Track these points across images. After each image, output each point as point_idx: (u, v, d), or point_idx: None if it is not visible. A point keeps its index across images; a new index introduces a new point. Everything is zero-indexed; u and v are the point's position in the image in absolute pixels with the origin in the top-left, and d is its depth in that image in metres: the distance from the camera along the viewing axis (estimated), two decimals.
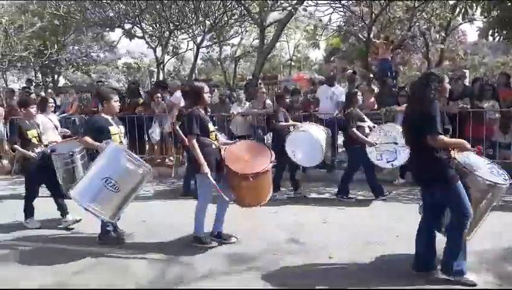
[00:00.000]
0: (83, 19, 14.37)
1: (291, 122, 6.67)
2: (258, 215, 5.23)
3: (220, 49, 22.82)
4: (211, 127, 4.43)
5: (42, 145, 5.33)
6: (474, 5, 9.56)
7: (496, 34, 10.04)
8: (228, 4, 13.50)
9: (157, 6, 13.38)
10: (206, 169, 4.18)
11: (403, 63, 20.01)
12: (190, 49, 21.37)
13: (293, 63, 30.60)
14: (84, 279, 3.87)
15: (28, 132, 5.28)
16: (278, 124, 6.47)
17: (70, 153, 4.89)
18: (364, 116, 6.39)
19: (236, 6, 13.45)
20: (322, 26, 13.73)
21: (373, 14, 11.95)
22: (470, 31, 51.67)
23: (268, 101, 8.91)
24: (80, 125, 9.54)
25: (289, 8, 10.88)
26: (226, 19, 15.10)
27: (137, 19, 14.40)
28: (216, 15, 14.45)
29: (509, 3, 8.75)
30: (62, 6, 13.63)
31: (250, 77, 13.11)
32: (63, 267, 4.11)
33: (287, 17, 11.22)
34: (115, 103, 4.64)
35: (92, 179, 4.06)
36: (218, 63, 24.08)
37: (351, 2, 13.05)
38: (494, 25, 9.98)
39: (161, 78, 16.49)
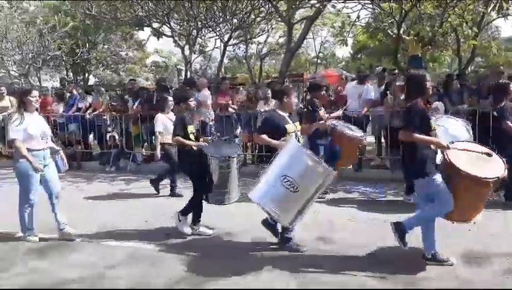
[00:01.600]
0: (114, 18, 14.65)
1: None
2: None
3: (246, 47, 22.84)
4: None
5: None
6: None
7: None
8: (256, 2, 13.48)
9: (186, 5, 13.50)
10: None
11: (432, 60, 19.52)
12: (217, 48, 21.49)
13: (319, 61, 30.34)
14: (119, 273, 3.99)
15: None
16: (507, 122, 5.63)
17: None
18: None
19: (264, 4, 13.41)
20: (349, 22, 13.51)
21: (403, 11, 11.68)
22: (504, 26, 49.88)
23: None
24: (109, 124, 9.81)
25: (317, 5, 10.78)
26: (253, 16, 15.09)
27: (165, 17, 14.57)
28: (243, 13, 14.45)
29: None
30: (94, 6, 13.93)
31: (277, 75, 13.08)
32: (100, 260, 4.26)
33: (315, 14, 11.13)
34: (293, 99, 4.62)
35: (270, 178, 3.88)
36: (244, 61, 24.11)
37: None
38: None
39: (188, 76, 16.65)
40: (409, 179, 4.18)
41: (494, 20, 17.45)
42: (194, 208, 4.97)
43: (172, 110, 6.80)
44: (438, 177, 3.73)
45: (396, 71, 10.50)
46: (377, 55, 21.18)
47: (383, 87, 8.54)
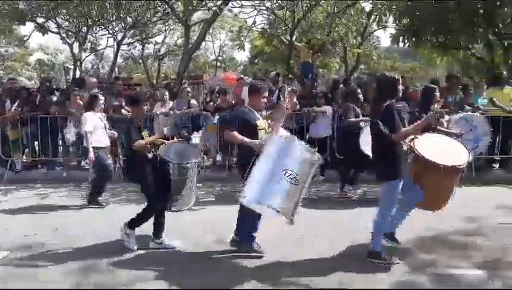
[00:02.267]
0: None
1: (362, 118, 6.51)
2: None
3: (143, 47, 22.06)
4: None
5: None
6: (387, 13, 10.30)
7: (406, 41, 10.92)
8: (151, 2, 13.10)
9: (75, 1, 12.57)
10: None
11: (322, 66, 20.85)
12: (110, 46, 20.42)
13: (218, 64, 30.54)
14: None
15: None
16: (349, 120, 6.43)
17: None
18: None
19: (160, 3, 13.10)
20: (246, 27, 13.85)
21: (296, 19, 12.31)
22: (384, 37, 55.45)
23: (193, 101, 8.81)
24: None
25: (214, 8, 10.83)
26: (148, 16, 14.64)
27: (51, 12, 13.39)
28: (138, 12, 13.95)
29: (418, 14, 9.51)
30: None
31: (175, 76, 12.84)
32: None
33: (212, 17, 11.16)
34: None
35: (266, 176, 3.66)
36: (141, 61, 23.27)
37: (275, 5, 13.32)
38: (404, 32, 10.85)
39: (78, 75, 15.54)
40: (380, 179, 4.11)
41: (375, 31, 19.21)
42: (154, 221, 4.49)
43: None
44: (401, 183, 3.88)
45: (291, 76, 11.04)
46: (273, 60, 21.96)
47: (277, 91, 8.86)
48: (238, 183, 4.91)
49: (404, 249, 4.30)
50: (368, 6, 12.64)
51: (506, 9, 9.25)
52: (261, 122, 4.28)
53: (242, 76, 13.58)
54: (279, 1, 12.09)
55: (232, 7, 12.52)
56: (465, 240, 4.50)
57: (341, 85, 9.28)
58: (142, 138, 4.49)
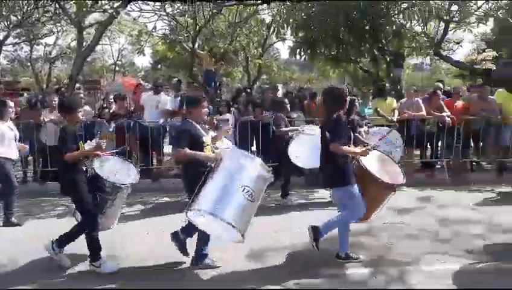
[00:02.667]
0: None
1: (291, 127, 6.71)
2: None
3: (31, 48, 20.18)
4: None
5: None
6: (285, 25, 10.77)
7: (302, 53, 11.52)
8: (40, 0, 12.02)
9: None
10: None
11: (226, 74, 21.10)
12: None
13: (117, 68, 29.18)
14: None
15: None
16: (279, 129, 6.49)
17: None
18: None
19: (50, 2, 12.08)
20: (147, 32, 13.42)
21: (197, 26, 12.26)
22: (283, 49, 58.13)
23: (86, 107, 8.24)
24: None
25: (110, 11, 10.29)
26: (37, 15, 13.42)
27: None
28: (25, 10, 12.72)
29: (313, 28, 10.08)
30: None
31: (67, 81, 11.89)
32: None
33: (108, 20, 10.57)
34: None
35: (225, 189, 3.58)
36: (28, 64, 21.24)
37: (176, 11, 13.13)
38: (300, 45, 11.44)
39: None
40: (328, 186, 4.32)
41: (275, 43, 20.00)
42: (91, 240, 4.07)
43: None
44: (355, 187, 4.03)
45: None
46: (176, 66, 21.67)
47: (179, 98, 8.71)
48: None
49: (296, 252, 4.47)
50: (268, 18, 13.10)
51: (388, 27, 10.24)
52: (207, 139, 4.19)
53: (141, 82, 13.10)
54: (180, 7, 11.92)
55: (130, 11, 12.04)
56: (355, 240, 4.81)
57: (243, 94, 9.44)
58: (77, 149, 4.13)
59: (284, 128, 6.57)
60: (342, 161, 4.03)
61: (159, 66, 26.61)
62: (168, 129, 8.24)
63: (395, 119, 7.76)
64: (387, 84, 9.48)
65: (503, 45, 16.97)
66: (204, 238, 4.06)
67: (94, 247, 4.08)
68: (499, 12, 12.04)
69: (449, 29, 12.20)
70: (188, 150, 3.94)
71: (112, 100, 9.10)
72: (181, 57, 17.32)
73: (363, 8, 9.33)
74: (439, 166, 8.14)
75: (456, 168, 8.03)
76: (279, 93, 10.52)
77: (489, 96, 8.37)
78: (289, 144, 6.22)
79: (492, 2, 11.67)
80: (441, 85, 9.92)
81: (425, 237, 4.93)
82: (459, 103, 8.36)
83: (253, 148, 8.07)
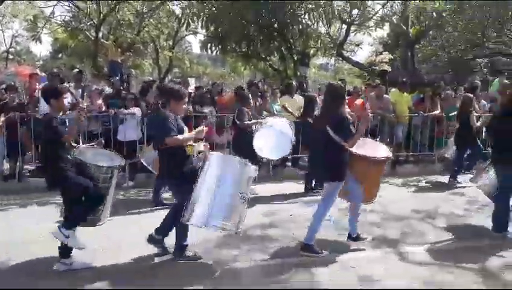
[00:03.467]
0: None
1: (254, 120, 6.65)
2: None
3: None
4: None
5: None
6: (195, 18, 10.61)
7: (213, 48, 11.47)
8: None
9: None
10: None
11: (134, 66, 20.24)
12: None
13: (10, 56, 26.41)
14: None
15: None
16: (243, 123, 6.49)
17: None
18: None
19: None
20: (44, 17, 12.32)
21: (101, 14, 11.55)
22: (195, 43, 57.35)
23: None
24: None
25: None
26: None
27: None
28: None
29: (222, 22, 10.07)
30: None
31: None
32: None
33: None
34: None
35: (223, 199, 3.82)
36: None
37: None
38: (211, 39, 11.38)
39: None
40: (329, 180, 4.28)
41: (186, 35, 19.68)
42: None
43: None
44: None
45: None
46: (78, 55, 20.20)
47: (80, 90, 8.13)
48: None
49: (207, 247, 4.45)
50: (178, 10, 12.81)
51: (294, 27, 10.63)
52: (187, 130, 4.15)
53: (37, 71, 11.99)
54: None
55: None
56: (264, 233, 4.91)
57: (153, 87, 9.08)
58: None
59: (248, 122, 6.61)
60: (345, 158, 4.19)
61: (60, 54, 24.63)
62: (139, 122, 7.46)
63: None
64: (294, 82, 9.79)
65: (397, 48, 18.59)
66: (183, 230, 4.08)
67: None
68: (393, 18, 13.16)
69: (350, 31, 13.04)
70: (180, 136, 3.92)
71: (3, 90, 8.18)
72: (84, 46, 16.20)
73: (271, 7, 9.53)
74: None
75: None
76: (191, 88, 10.34)
77: (385, 96, 9.09)
78: (253, 137, 6.26)
79: (387, 8, 12.77)
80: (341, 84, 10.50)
81: (329, 226, 5.18)
82: (359, 101, 8.96)
83: None
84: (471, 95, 7.98)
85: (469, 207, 6.13)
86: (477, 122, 7.64)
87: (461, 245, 4.66)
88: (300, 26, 10.38)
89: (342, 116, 4.11)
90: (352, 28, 12.87)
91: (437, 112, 8.84)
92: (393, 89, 9.80)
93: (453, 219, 5.57)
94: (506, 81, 10.44)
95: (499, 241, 4.73)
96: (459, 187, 7.28)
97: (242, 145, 6.40)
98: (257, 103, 8.60)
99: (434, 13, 12.26)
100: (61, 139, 3.87)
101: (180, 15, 11.25)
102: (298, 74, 11.02)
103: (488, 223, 5.00)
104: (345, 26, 12.83)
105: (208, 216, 3.76)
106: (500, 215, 4.86)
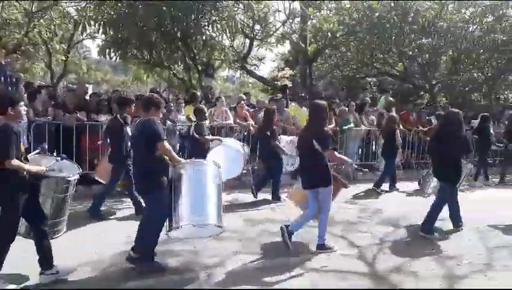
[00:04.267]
0: None
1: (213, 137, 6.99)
2: None
3: None
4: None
5: None
6: (92, 22, 9.97)
7: (113, 53, 10.87)
8: None
9: None
10: None
11: (23, 70, 18.40)
12: None
13: None
14: None
15: None
16: (204, 137, 6.74)
17: None
18: None
19: None
20: None
21: None
22: (94, 48, 54.23)
23: None
24: None
25: None
26: None
27: None
28: None
29: (122, 27, 9.61)
30: None
31: None
32: None
33: None
34: None
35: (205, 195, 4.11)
36: None
37: None
38: (110, 44, 10.78)
39: None
40: (320, 186, 4.75)
41: (83, 39, 18.46)
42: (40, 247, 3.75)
43: None
44: None
45: None
46: None
47: None
48: None
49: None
50: (74, 11, 11.95)
51: (199, 37, 10.56)
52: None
53: None
54: None
55: None
56: (165, 248, 4.69)
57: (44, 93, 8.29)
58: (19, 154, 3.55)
59: (208, 137, 6.88)
60: (327, 165, 4.72)
61: None
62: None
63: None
64: (199, 93, 9.72)
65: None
66: (153, 241, 4.11)
67: (48, 255, 3.78)
68: (293, 36, 13.83)
69: (253, 46, 13.41)
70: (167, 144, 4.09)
71: None
72: None
73: (174, 14, 9.34)
74: (246, 170, 8.74)
75: (260, 172, 8.77)
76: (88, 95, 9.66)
77: (286, 109, 9.47)
78: (208, 153, 6.51)
79: (288, 26, 13.39)
80: (244, 97, 10.71)
81: (233, 238, 5.15)
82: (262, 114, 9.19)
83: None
84: (396, 115, 8.89)
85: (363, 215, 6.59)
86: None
87: (351, 252, 4.95)
88: (204, 37, 10.35)
89: (325, 130, 4.77)
90: (255, 43, 13.25)
91: (332, 126, 9.43)
92: (293, 103, 10.26)
93: (348, 226, 5.92)
94: (391, 99, 11.62)
95: (384, 245, 5.12)
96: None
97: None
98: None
99: (329, 33, 13.17)
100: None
101: (75, 17, 10.49)
102: (203, 84, 10.97)
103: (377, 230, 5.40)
104: (248, 41, 13.16)
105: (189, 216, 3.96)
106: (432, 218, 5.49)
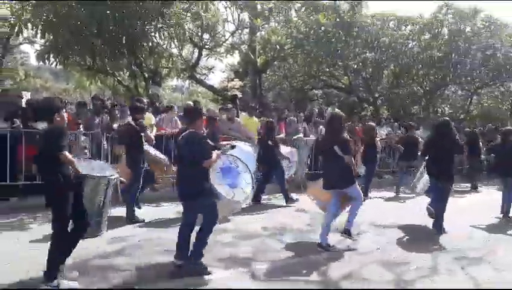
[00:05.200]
0: None
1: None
2: None
3: None
4: None
5: None
6: (29, 25, 9.35)
7: (52, 59, 10.24)
8: None
9: None
10: None
11: None
12: None
13: None
14: None
15: None
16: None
17: None
18: None
19: None
20: None
21: None
22: (32, 53, 51.42)
23: None
24: None
25: None
26: None
27: None
28: None
29: (61, 30, 9.07)
30: None
31: None
32: None
33: None
34: None
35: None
36: None
37: None
38: (50, 49, 10.13)
39: None
40: (348, 185, 5.25)
41: (20, 44, 17.43)
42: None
43: None
44: None
45: None
46: None
47: None
48: None
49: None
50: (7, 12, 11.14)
51: (145, 44, 10.22)
52: None
53: None
54: None
55: None
56: (107, 262, 4.40)
57: None
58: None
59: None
60: (350, 167, 5.21)
61: None
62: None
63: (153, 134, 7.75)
64: (145, 100, 9.38)
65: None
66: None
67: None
68: (242, 47, 13.88)
69: (203, 56, 13.27)
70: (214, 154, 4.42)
71: None
72: None
73: (119, 19, 8.93)
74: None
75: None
76: (23, 102, 9.00)
77: (236, 118, 9.38)
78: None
79: (237, 37, 13.42)
80: (191, 103, 10.48)
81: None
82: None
83: None
84: (374, 124, 9.59)
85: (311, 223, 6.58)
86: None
87: (303, 260, 4.88)
88: (151, 44, 10.03)
89: (346, 138, 5.26)
90: (204, 52, 13.11)
91: (282, 135, 9.49)
92: (243, 113, 10.21)
93: (298, 235, 5.88)
94: (337, 110, 11.93)
95: (335, 255, 5.11)
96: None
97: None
98: (104, 118, 8.01)
99: (277, 45, 13.35)
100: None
101: (10, 19, 9.77)
102: (150, 92, 10.61)
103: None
104: (197, 50, 13.00)
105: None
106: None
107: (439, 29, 16.48)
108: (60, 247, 3.73)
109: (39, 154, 3.82)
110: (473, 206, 8.65)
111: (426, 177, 6.94)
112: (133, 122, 6.17)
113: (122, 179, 5.66)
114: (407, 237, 5.98)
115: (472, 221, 6.97)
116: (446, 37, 16.43)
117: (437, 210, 6.13)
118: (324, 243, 5.16)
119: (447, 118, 6.81)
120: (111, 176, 5.04)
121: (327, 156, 5.40)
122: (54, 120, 3.78)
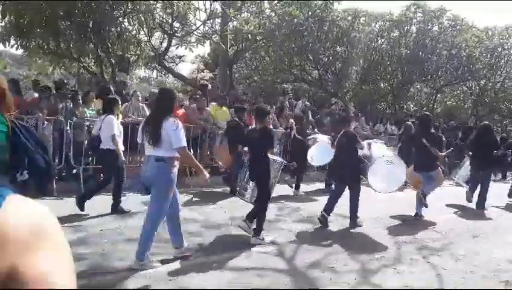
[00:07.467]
0: None
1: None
2: None
3: None
4: None
5: None
6: None
7: (13, 41, 9.75)
8: None
9: None
10: None
11: None
12: None
13: None
14: None
15: None
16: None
17: None
18: None
19: None
20: None
21: None
22: None
23: None
24: None
25: None
26: None
27: None
28: None
29: (24, 10, 8.65)
30: None
31: None
32: None
33: None
34: None
35: None
36: None
37: None
38: (11, 31, 9.64)
39: None
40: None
41: None
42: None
43: None
44: None
45: None
46: None
47: None
48: None
49: None
50: None
51: (112, 29, 9.89)
52: None
53: None
54: None
55: None
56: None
57: None
58: None
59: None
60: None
61: None
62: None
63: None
64: (112, 87, 9.08)
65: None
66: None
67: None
68: (213, 36, 13.66)
69: (172, 44, 12.99)
70: None
71: None
72: None
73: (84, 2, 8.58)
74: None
75: (180, 172, 8.45)
76: None
77: (206, 108, 9.27)
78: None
79: (208, 26, 13.19)
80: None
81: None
82: (181, 111, 8.90)
83: None
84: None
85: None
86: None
87: (274, 249, 4.88)
88: (119, 29, 9.70)
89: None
90: (174, 41, 12.84)
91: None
92: (213, 103, 10.09)
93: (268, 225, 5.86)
94: (308, 103, 12.00)
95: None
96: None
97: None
98: (68, 106, 7.73)
99: (249, 35, 13.22)
100: None
101: None
102: (116, 79, 10.28)
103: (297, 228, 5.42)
104: (166, 38, 12.71)
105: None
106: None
107: (408, 27, 16.85)
108: None
109: None
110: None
111: (465, 169, 8.57)
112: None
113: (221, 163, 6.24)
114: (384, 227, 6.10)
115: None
116: (414, 35, 16.82)
117: (479, 195, 7.84)
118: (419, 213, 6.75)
119: (487, 122, 8.54)
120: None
121: (418, 147, 6.74)
122: None
